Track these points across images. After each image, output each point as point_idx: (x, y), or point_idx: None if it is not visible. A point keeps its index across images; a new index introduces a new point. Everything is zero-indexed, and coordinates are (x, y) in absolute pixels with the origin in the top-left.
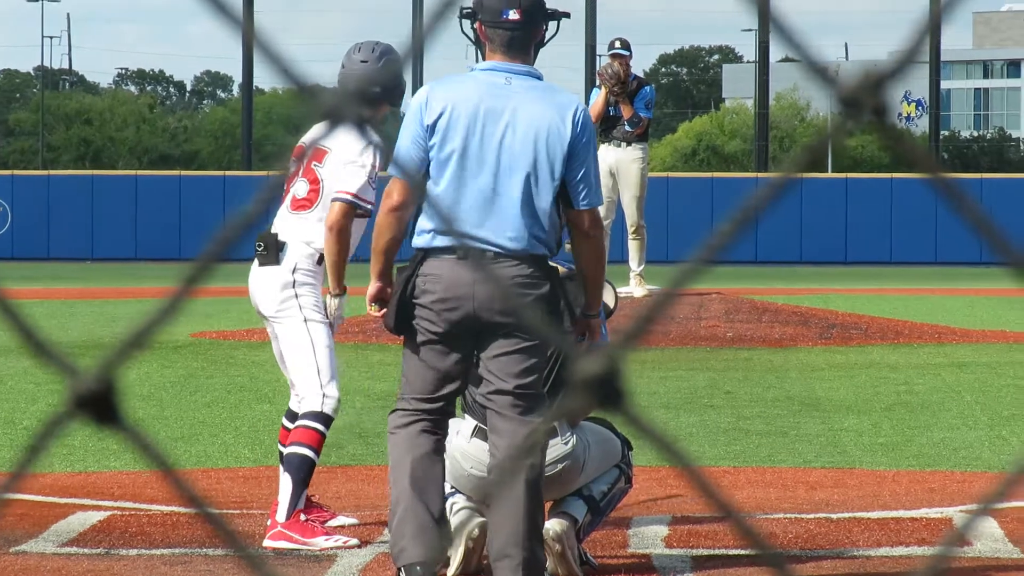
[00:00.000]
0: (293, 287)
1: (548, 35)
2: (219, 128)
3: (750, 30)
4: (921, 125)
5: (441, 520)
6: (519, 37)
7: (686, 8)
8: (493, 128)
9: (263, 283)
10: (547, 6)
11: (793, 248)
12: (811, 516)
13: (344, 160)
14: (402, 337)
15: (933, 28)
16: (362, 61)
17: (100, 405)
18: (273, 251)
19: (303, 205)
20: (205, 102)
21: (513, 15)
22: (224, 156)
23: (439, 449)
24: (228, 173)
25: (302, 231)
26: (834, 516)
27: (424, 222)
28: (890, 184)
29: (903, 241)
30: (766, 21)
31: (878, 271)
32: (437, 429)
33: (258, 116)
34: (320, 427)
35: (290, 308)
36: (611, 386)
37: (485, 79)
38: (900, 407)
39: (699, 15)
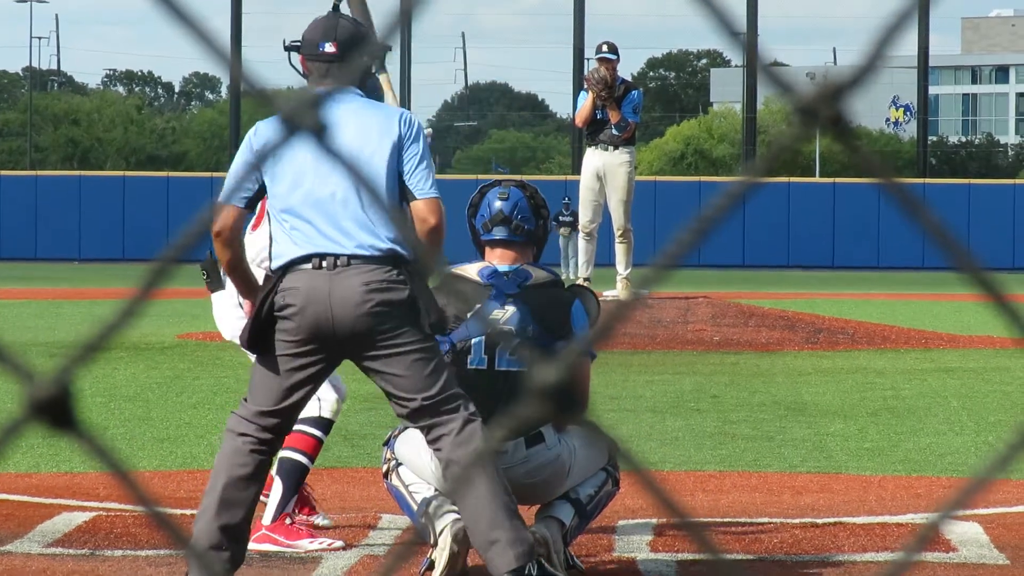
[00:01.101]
0: (242, 308)
1: (374, 67)
2: (207, 129)
3: (739, 34)
4: (909, 130)
5: (234, 541)
6: (336, 68)
7: (674, 12)
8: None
9: (217, 309)
10: (366, 38)
11: (780, 252)
12: (797, 521)
13: None
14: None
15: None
16: None
17: (57, 410)
18: (215, 276)
19: (255, 225)
20: (193, 103)
21: (329, 48)
22: (212, 157)
23: (259, 471)
24: (216, 174)
25: (248, 250)
26: (820, 521)
27: (280, 247)
28: (877, 189)
29: (890, 246)
30: (754, 25)
31: (865, 276)
32: (266, 447)
33: (245, 117)
34: (318, 432)
35: None
36: (567, 395)
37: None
38: (886, 412)
39: (687, 19)
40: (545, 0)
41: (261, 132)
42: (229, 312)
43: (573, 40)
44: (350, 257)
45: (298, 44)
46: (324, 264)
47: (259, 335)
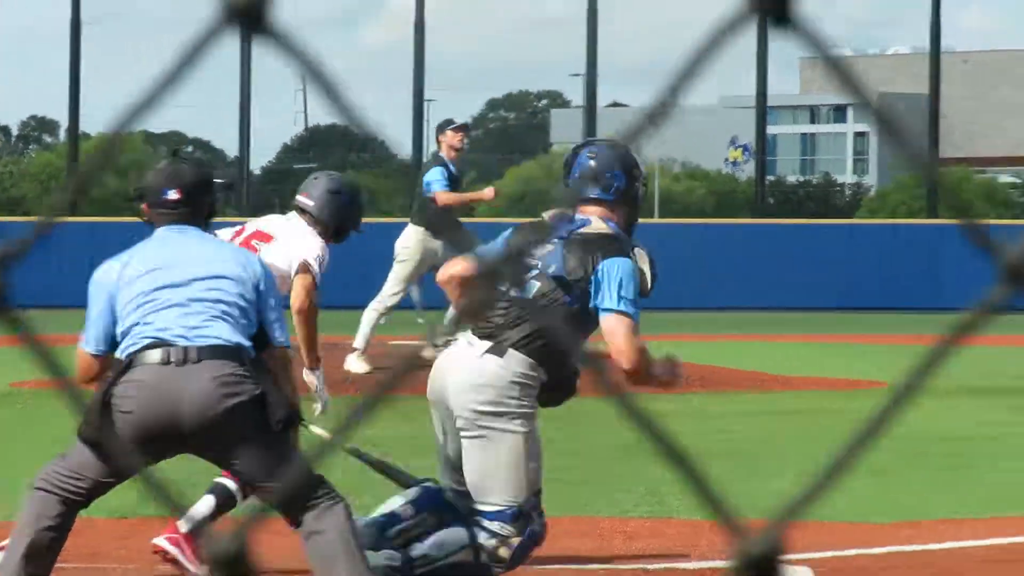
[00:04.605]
0: None
1: (219, 205)
2: (43, 172)
3: (578, 75)
4: (747, 170)
5: None
6: (182, 213)
7: (514, 54)
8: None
9: None
10: (210, 180)
11: None
12: (627, 567)
13: (299, 233)
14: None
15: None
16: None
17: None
18: None
19: (234, 236)
20: (31, 147)
21: (173, 195)
22: (49, 201)
23: (67, 521)
24: (54, 219)
25: (277, 264)
26: (651, 567)
27: (131, 333)
28: (703, 229)
29: (719, 286)
30: (593, 66)
31: (693, 317)
32: (80, 499)
33: (83, 158)
34: None
35: None
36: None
37: (160, 235)
38: (720, 456)
39: (528, 57)
40: (386, 42)
41: (116, 264)
42: None
43: (413, 83)
44: (199, 350)
45: (140, 192)
46: (173, 358)
47: (99, 427)
